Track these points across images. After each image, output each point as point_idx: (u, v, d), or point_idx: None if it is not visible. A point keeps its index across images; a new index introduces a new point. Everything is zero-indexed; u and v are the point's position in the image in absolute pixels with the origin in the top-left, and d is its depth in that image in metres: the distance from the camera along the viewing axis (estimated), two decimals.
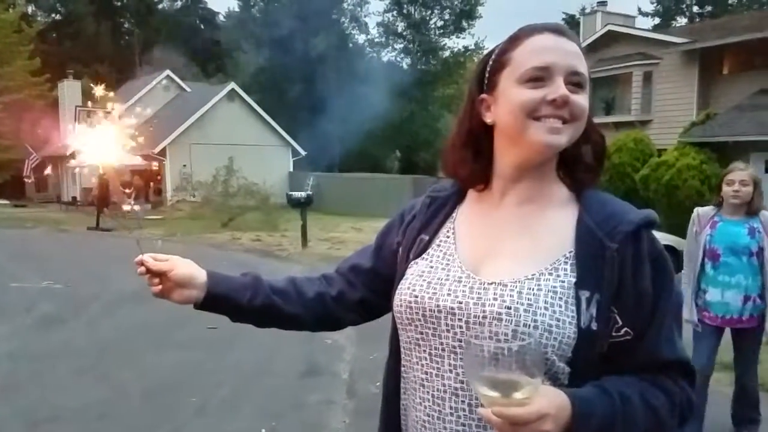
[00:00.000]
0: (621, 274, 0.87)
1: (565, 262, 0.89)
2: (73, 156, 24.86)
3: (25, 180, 25.95)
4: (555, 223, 0.93)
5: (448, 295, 0.93)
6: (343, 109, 28.36)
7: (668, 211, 11.79)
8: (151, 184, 24.06)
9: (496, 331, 0.86)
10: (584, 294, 0.86)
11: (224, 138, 22.85)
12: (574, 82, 0.91)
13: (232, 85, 25.18)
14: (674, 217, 11.58)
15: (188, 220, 17.39)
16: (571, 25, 36.84)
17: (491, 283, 0.90)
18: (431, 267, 0.98)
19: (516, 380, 0.74)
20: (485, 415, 0.75)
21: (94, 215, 16.38)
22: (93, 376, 4.55)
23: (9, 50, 28.68)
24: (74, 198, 25.14)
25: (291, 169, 26.06)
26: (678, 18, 37.51)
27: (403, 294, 0.98)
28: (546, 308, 0.86)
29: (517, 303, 0.87)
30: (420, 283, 0.97)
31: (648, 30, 21.44)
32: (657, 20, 37.35)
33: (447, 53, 35.54)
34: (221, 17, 44.40)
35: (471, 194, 1.04)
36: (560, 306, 0.86)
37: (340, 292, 1.14)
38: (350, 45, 35.19)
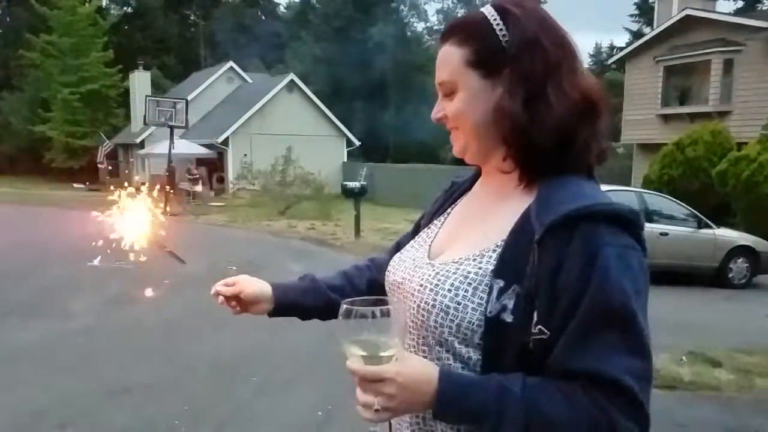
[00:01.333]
0: (544, 269, 0.79)
1: (494, 251, 0.87)
2: (142, 144, 26.11)
3: (99, 166, 27.32)
4: (508, 211, 0.90)
5: (402, 271, 0.99)
6: (399, 99, 28.41)
7: (747, 210, 11.17)
8: (215, 172, 24.91)
9: (409, 306, 0.90)
10: (498, 283, 0.83)
11: (283, 128, 23.37)
12: (444, 91, 0.93)
13: (291, 76, 25.66)
14: (754, 216, 11.03)
15: (248, 208, 17.96)
16: (644, 10, 35.26)
17: (428, 264, 0.94)
18: (411, 247, 1.04)
19: (379, 343, 0.78)
20: (347, 367, 0.80)
21: (163, 200, 17.14)
22: (161, 353, 4.86)
23: (85, 43, 30.25)
24: (143, 183, 26.29)
25: (345, 159, 26.36)
26: (764, 1, 35.15)
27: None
28: (449, 290, 0.86)
29: (428, 282, 0.89)
30: (395, 260, 1.04)
31: (730, 14, 20.18)
32: (740, 3, 34.75)
33: None
34: (282, 8, 45.25)
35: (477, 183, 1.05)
36: (466, 291, 0.85)
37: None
38: (408, 33, 35.06)
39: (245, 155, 22.90)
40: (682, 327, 6.31)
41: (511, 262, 0.83)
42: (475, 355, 0.84)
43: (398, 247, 1.12)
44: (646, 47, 18.12)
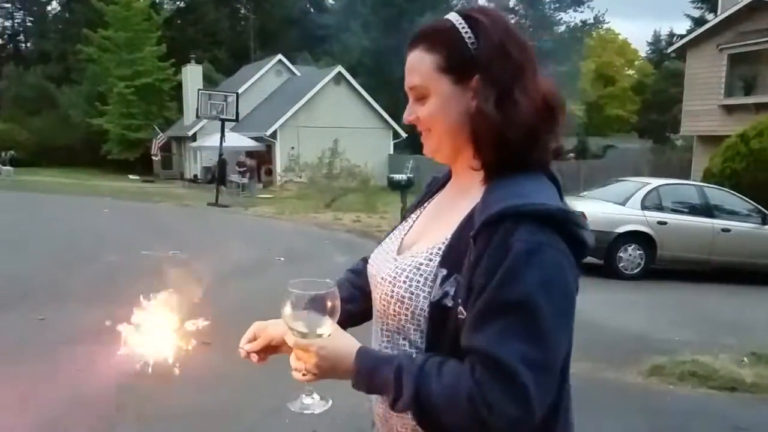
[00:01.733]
0: (475, 261, 0.87)
1: (443, 243, 0.94)
2: (194, 137, 26.78)
3: (153, 158, 28.21)
4: (464, 207, 0.96)
5: (376, 264, 1.06)
6: None
7: None
8: (263, 165, 25.31)
9: (378, 293, 1.01)
10: (442, 272, 0.91)
11: (330, 121, 23.51)
12: (415, 95, 0.99)
13: (339, 68, 25.77)
14: None
15: (295, 200, 18.16)
16: None
17: (393, 258, 1.02)
18: (389, 239, 1.10)
19: (316, 320, 0.91)
20: (293, 341, 0.92)
21: (214, 192, 17.52)
22: (213, 341, 4.94)
23: (139, 37, 31.20)
24: (195, 176, 27.04)
25: (391, 152, 26.32)
26: None
27: None
28: (404, 282, 0.94)
29: (388, 276, 0.98)
30: (374, 253, 1.11)
31: None
32: None
33: (563, 28, 33.86)
34: (331, 0, 45.47)
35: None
36: (418, 281, 0.93)
37: None
38: None
39: (292, 148, 23.17)
40: (744, 327, 6.02)
41: (454, 254, 0.91)
42: (419, 339, 0.94)
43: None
44: (709, 34, 17.32)
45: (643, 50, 49.80)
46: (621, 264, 8.21)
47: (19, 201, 15.89)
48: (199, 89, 21.36)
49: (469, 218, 0.92)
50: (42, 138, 32.97)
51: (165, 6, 42.60)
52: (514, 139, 0.91)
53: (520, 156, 0.92)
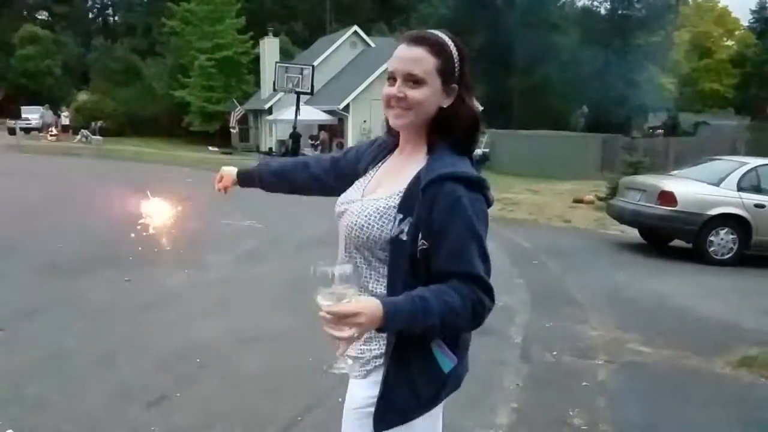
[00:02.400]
0: (424, 207, 1.27)
1: (398, 194, 1.34)
2: (270, 110, 27.34)
3: (231, 130, 29.03)
4: (412, 169, 1.36)
5: (344, 204, 1.47)
6: (526, 60, 27.09)
7: None
8: (335, 138, 25.53)
9: (345, 228, 1.40)
10: (399, 216, 1.30)
11: None
12: (412, 80, 1.32)
13: None
14: None
15: None
16: None
17: (359, 200, 1.42)
18: (353, 188, 1.50)
19: (342, 293, 1.15)
20: (322, 316, 1.15)
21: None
22: (287, 306, 5.01)
23: (220, 10, 31.93)
24: (270, 148, 27.66)
25: None
26: None
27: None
28: (366, 216, 1.35)
29: (354, 210, 1.39)
30: (342, 196, 1.51)
31: None
32: None
33: None
34: None
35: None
36: (376, 219, 1.33)
37: (325, 172, 1.72)
38: None
39: (365, 121, 23.19)
40: None
41: (407, 203, 1.30)
42: (374, 259, 1.36)
43: (336, 162, 1.70)
44: None
45: (745, 19, 46.00)
46: (711, 248, 7.68)
47: (107, 168, 16.83)
48: (276, 62, 21.71)
49: (417, 178, 1.32)
50: (128, 109, 34.72)
51: None
52: (464, 129, 1.37)
53: (460, 144, 1.37)
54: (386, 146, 1.52)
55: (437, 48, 1.34)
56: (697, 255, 7.67)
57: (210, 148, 29.21)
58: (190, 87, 31.65)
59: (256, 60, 31.30)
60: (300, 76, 18.80)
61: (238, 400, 3.30)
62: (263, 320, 4.65)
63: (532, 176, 18.36)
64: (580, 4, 34.33)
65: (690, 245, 7.81)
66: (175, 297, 5.12)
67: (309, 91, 19.06)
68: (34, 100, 38.74)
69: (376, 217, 1.34)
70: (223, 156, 26.35)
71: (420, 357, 1.32)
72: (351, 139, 23.57)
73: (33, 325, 4.27)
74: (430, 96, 1.33)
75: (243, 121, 29.87)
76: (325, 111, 24.50)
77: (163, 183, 14.54)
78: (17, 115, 34.77)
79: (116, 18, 60.93)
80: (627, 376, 3.97)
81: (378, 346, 1.36)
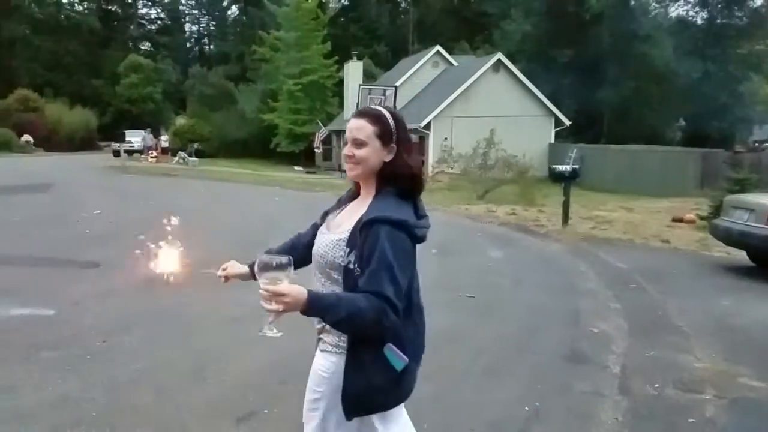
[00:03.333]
0: (359, 242, 1.66)
1: (348, 231, 1.72)
2: None
3: (315, 150, 29.86)
4: (361, 211, 1.73)
5: (319, 234, 1.86)
6: (617, 73, 26.04)
7: None
8: None
9: (314, 255, 1.82)
10: (347, 249, 1.70)
11: (486, 110, 23.01)
12: (356, 143, 1.75)
13: (498, 55, 25.09)
14: None
15: (446, 191, 18.06)
16: None
17: (326, 233, 1.82)
18: (324, 225, 1.90)
19: (277, 277, 1.57)
20: (260, 292, 1.56)
21: None
22: None
23: (307, 36, 33.10)
24: None
25: (552, 140, 25.11)
26: None
27: None
28: (325, 247, 1.76)
29: (321, 243, 1.80)
30: (321, 226, 1.90)
31: None
32: None
33: (759, 2, 29.71)
34: None
35: None
36: (331, 248, 1.74)
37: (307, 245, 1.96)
38: (632, 2, 31.89)
39: (445, 138, 23.08)
40: None
41: (353, 238, 1.69)
42: (331, 280, 1.75)
43: (315, 227, 1.97)
44: None
45: None
46: None
47: (203, 188, 17.73)
48: (359, 85, 22.14)
49: (360, 219, 1.70)
50: (221, 132, 36.67)
51: (330, 5, 44.85)
52: (403, 179, 1.77)
53: (404, 190, 1.77)
54: (347, 197, 1.95)
55: (374, 118, 1.78)
56: None
57: (295, 167, 30.17)
58: (278, 110, 32.89)
59: (341, 83, 32.09)
60: (383, 96, 19.07)
61: None
62: None
63: (624, 193, 17.49)
64: (674, 14, 32.65)
65: None
66: (256, 315, 5.21)
67: None
68: (136, 125, 41.75)
69: (331, 247, 1.76)
70: (308, 175, 27.11)
71: (371, 356, 1.69)
72: (432, 156, 23.55)
73: (131, 337, 4.49)
74: (372, 153, 1.76)
75: (327, 141, 30.64)
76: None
77: (254, 201, 15.12)
78: (122, 138, 37.57)
79: (211, 47, 64.71)
80: (738, 414, 3.59)
81: (336, 339, 1.76)
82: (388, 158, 1.77)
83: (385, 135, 1.76)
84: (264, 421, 3.22)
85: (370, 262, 1.62)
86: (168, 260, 2.42)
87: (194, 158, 29.40)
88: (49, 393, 3.48)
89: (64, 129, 43.30)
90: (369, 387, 1.69)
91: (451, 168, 18.70)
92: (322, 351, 1.83)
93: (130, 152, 32.83)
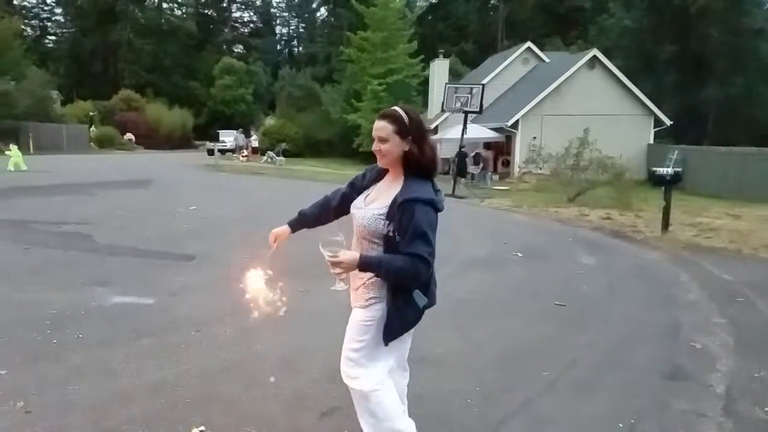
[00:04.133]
0: (398, 216, 2.26)
1: (386, 207, 2.32)
2: (435, 130, 27.73)
3: None
4: (393, 191, 2.34)
5: (354, 210, 2.50)
6: (724, 70, 24.27)
7: None
8: (500, 156, 25.04)
9: (356, 224, 2.44)
10: (386, 221, 2.30)
11: (579, 108, 22.15)
12: (381, 140, 2.36)
13: (594, 51, 24.06)
14: None
15: (534, 193, 17.53)
16: None
17: (364, 208, 2.44)
18: (359, 199, 2.53)
19: (336, 249, 2.21)
20: (326, 261, 2.21)
21: (451, 183, 17.86)
22: (449, 329, 4.89)
23: (393, 36, 33.27)
24: None
25: (651, 141, 23.75)
26: None
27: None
28: (368, 220, 2.36)
29: (362, 215, 2.41)
30: (353, 204, 2.54)
31: None
32: None
33: None
34: None
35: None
36: (373, 221, 2.34)
37: (340, 205, 2.70)
38: None
39: (534, 138, 22.44)
40: None
41: (391, 213, 2.29)
42: (377, 246, 2.35)
43: (344, 196, 2.69)
44: None
45: None
46: None
47: (290, 186, 18.27)
48: (446, 83, 21.93)
49: (395, 198, 2.29)
50: (307, 132, 37.70)
51: (418, 4, 44.84)
52: (422, 164, 2.36)
53: (423, 172, 2.36)
54: (379, 171, 2.53)
55: (393, 119, 2.34)
56: None
57: None
58: (362, 110, 33.28)
59: (425, 81, 31.99)
60: (469, 95, 18.74)
61: None
62: (427, 341, 4.55)
63: (730, 199, 16.25)
64: None
65: None
66: (343, 310, 5.26)
67: (477, 110, 18.88)
68: (228, 125, 43.75)
69: (373, 220, 2.34)
70: None
71: (405, 299, 2.36)
72: (519, 156, 22.95)
73: (224, 329, 4.65)
74: (393, 146, 2.35)
75: None
76: (491, 128, 24.19)
77: None
78: (215, 138, 39.48)
79: (300, 48, 66.53)
80: None
81: (375, 293, 2.41)
82: (406, 148, 2.36)
83: (401, 131, 2.34)
84: (346, 417, 3.21)
85: (407, 232, 2.22)
86: (256, 284, 2.83)
87: (281, 158, 30.38)
88: (146, 378, 3.66)
89: (163, 128, 46.22)
90: (404, 320, 2.41)
91: (540, 168, 18.00)
92: (362, 307, 2.45)
93: (222, 151, 34.47)
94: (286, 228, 2.70)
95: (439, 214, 2.34)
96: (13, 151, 20.58)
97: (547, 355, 4.40)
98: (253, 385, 3.64)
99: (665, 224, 10.01)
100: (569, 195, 15.59)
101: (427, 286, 2.40)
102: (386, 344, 2.41)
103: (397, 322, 2.38)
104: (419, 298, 2.37)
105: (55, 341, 4.24)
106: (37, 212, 10.76)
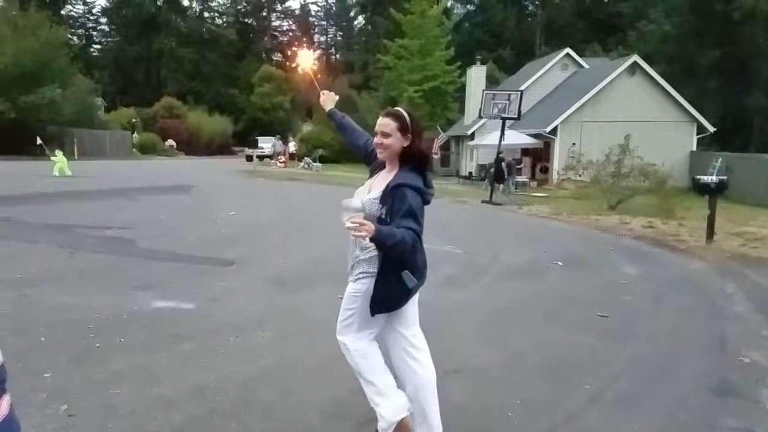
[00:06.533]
0: (389, 200, 2.60)
1: (380, 193, 2.67)
2: (472, 136, 27.58)
3: (433, 156, 29.81)
4: (389, 179, 2.69)
5: (356, 194, 2.81)
6: None
7: None
8: (538, 162, 24.70)
9: (355, 207, 2.53)
10: (380, 206, 2.65)
11: (619, 114, 21.73)
12: (383, 135, 2.71)
13: (635, 57, 23.59)
14: None
15: (573, 200, 17.22)
16: None
17: (366, 194, 2.77)
18: (363, 187, 2.86)
19: (355, 215, 2.42)
20: (347, 226, 2.35)
21: (486, 189, 17.68)
22: (490, 339, 4.82)
23: (431, 43, 33.30)
24: (470, 173, 27.84)
25: (693, 148, 23.10)
26: None
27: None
28: (368, 203, 2.67)
29: (362, 202, 2.66)
30: (358, 189, 2.87)
31: None
32: None
33: None
34: None
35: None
36: (371, 207, 2.65)
37: (366, 147, 3.08)
38: None
39: (573, 144, 22.08)
40: None
41: (383, 198, 2.64)
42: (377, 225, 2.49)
43: (366, 148, 3.07)
44: None
45: None
46: None
47: (326, 192, 18.39)
48: (483, 90, 21.81)
49: (389, 184, 2.64)
50: (342, 139, 37.81)
51: (455, 11, 44.78)
52: (418, 158, 2.72)
53: (418, 166, 2.71)
54: (381, 163, 2.83)
55: (396, 117, 2.70)
56: None
57: None
58: None
59: (462, 88, 31.85)
60: (507, 101, 18.55)
61: None
62: (465, 351, 4.49)
63: None
64: None
65: None
66: None
67: (515, 116, 18.68)
68: (267, 132, 44.38)
69: (369, 204, 2.64)
70: None
71: (395, 277, 2.64)
72: (558, 162, 22.60)
73: (263, 334, 4.69)
74: (394, 141, 2.68)
75: (445, 147, 30.55)
76: (529, 134, 23.90)
77: None
78: (254, 144, 40.12)
79: (338, 56, 67.21)
80: None
81: (363, 269, 2.73)
82: (405, 144, 2.70)
83: (403, 128, 2.69)
84: None
85: (400, 212, 2.53)
86: None
87: (318, 163, 30.66)
88: (187, 383, 3.70)
89: (203, 134, 47.22)
90: (390, 296, 2.70)
91: (580, 175, 17.70)
92: (354, 281, 2.78)
93: (261, 157, 35.03)
94: (334, 99, 3.33)
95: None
96: (59, 156, 21.28)
97: (589, 366, 4.29)
98: (290, 391, 3.64)
99: (710, 233, 9.70)
100: (610, 202, 15.27)
101: (417, 267, 2.69)
102: (372, 315, 2.72)
103: (382, 296, 2.67)
104: (408, 279, 2.65)
105: (98, 345, 4.31)
106: (81, 217, 11.06)
